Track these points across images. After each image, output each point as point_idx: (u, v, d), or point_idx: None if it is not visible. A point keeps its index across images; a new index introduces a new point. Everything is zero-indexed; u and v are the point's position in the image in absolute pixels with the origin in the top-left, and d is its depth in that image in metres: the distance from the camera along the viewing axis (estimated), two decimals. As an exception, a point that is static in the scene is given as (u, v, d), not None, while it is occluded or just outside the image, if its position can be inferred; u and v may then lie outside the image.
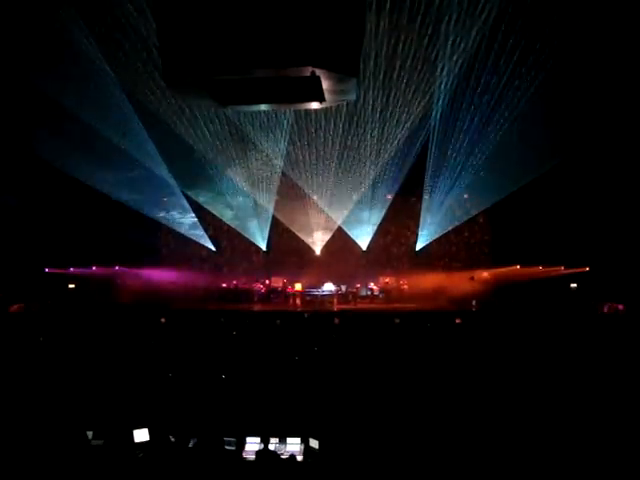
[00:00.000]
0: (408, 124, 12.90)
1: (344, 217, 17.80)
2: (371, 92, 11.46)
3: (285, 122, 13.07)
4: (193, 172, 16.00)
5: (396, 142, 13.73)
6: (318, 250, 18.82)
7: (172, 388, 6.69)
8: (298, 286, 17.22)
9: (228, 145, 14.12)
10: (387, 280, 18.00)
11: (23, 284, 14.77)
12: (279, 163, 15.10)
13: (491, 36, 9.59)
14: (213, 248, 19.06)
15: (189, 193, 17.48)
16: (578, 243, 14.69)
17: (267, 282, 18.28)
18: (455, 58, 10.36)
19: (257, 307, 16.73)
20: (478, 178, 15.38)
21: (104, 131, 12.64)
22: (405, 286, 17.67)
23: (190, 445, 4.26)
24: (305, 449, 4.58)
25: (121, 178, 15.23)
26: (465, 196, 17.31)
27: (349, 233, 18.44)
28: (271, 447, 4.51)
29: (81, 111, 11.74)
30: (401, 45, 9.87)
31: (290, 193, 16.86)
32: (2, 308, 13.87)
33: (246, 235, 18.62)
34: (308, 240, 18.70)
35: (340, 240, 18.45)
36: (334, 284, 17.32)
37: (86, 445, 4.02)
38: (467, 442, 4.42)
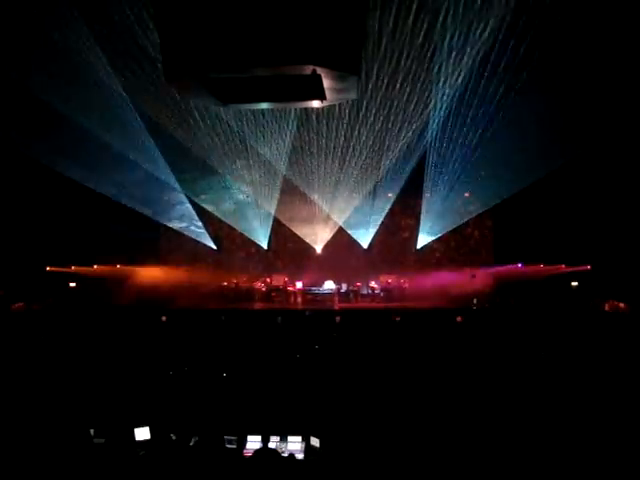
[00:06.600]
0: (410, 123, 12.88)
1: (345, 216, 17.77)
2: (373, 91, 11.44)
3: (286, 123, 13.05)
4: (195, 172, 16.01)
5: (398, 141, 13.71)
6: (319, 249, 18.79)
7: (173, 386, 6.70)
8: (299, 284, 17.21)
9: (230, 145, 14.09)
10: (388, 279, 17.99)
11: (24, 283, 14.79)
12: (281, 162, 15.08)
13: (494, 39, 9.57)
14: (214, 246, 19.07)
15: (190, 192, 17.48)
16: (579, 241, 14.68)
17: (268, 280, 18.28)
18: (458, 59, 10.35)
19: (258, 305, 16.74)
20: (479, 177, 15.35)
21: (105, 132, 12.61)
22: (406, 285, 17.65)
23: (191, 443, 4.26)
24: (306, 447, 4.58)
25: (123, 179, 15.23)
26: (466, 194, 17.30)
27: (350, 232, 18.42)
28: (272, 445, 4.51)
29: (82, 113, 11.72)
30: (404, 44, 9.85)
31: (291, 192, 16.85)
32: (4, 307, 13.89)
33: (247, 233, 18.61)
34: (309, 238, 18.68)
35: (341, 239, 18.42)
36: (335, 282, 17.32)
37: (89, 443, 4.02)
38: (468, 440, 4.42)
